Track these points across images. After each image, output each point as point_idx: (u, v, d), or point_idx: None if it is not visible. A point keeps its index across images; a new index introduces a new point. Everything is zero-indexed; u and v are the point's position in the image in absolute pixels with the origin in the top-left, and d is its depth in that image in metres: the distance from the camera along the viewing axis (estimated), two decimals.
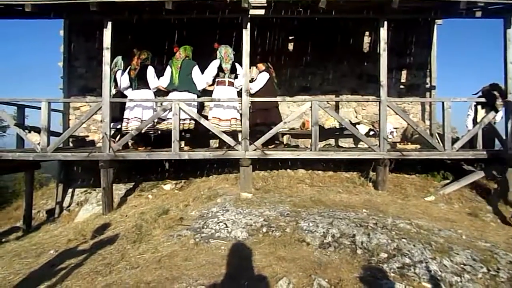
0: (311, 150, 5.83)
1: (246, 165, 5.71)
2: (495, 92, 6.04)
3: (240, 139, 5.88)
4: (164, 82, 6.30)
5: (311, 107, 5.81)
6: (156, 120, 6.24)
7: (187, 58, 6.28)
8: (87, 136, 7.88)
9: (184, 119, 6.12)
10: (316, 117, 5.79)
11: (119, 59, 6.56)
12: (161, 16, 5.73)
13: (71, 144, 7.58)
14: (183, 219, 4.60)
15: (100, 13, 5.50)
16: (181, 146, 6.11)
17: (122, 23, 5.95)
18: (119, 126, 6.38)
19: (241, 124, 6.09)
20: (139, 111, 6.19)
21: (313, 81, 7.96)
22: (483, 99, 6.21)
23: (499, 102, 5.98)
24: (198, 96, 6.32)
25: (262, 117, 6.35)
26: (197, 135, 6.65)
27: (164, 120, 6.24)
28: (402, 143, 6.68)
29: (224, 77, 6.23)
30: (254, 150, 5.77)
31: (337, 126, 7.21)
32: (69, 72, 7.79)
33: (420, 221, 4.26)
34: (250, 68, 6.00)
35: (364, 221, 4.12)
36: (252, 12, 5.73)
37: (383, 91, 5.80)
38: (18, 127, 6.30)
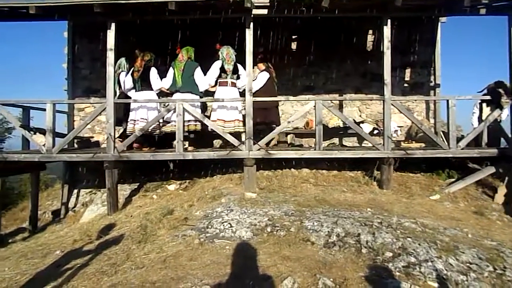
0: (315, 150, 5.82)
1: (250, 164, 5.72)
2: (500, 90, 6.01)
3: (242, 139, 5.89)
4: (166, 83, 6.32)
5: (314, 106, 5.80)
6: (161, 122, 6.26)
7: (189, 59, 6.29)
8: (92, 137, 7.92)
9: (189, 121, 6.13)
10: (320, 116, 5.78)
11: (122, 60, 6.60)
12: (164, 16, 5.75)
13: (76, 145, 7.62)
14: (188, 219, 4.61)
15: (104, 14, 5.53)
16: (185, 146, 6.12)
17: (125, 24, 5.99)
18: (124, 127, 6.41)
19: (243, 125, 6.11)
20: (144, 112, 6.22)
21: (317, 80, 7.94)
22: (488, 97, 6.18)
23: (504, 99, 5.95)
24: (201, 97, 6.33)
25: (262, 116, 6.34)
26: (201, 136, 6.66)
27: (169, 122, 6.27)
28: (406, 142, 6.65)
29: (226, 78, 6.24)
30: (258, 149, 5.78)
31: (341, 125, 7.19)
32: (73, 74, 7.83)
33: (425, 220, 4.24)
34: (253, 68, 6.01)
35: (369, 220, 4.11)
36: (255, 11, 5.73)
37: (387, 90, 5.78)
38: (24, 128, 6.34)
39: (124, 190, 6.67)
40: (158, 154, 5.92)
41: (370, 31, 7.93)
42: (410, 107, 7.82)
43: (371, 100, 7.72)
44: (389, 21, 5.76)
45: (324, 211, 4.48)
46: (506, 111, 6.11)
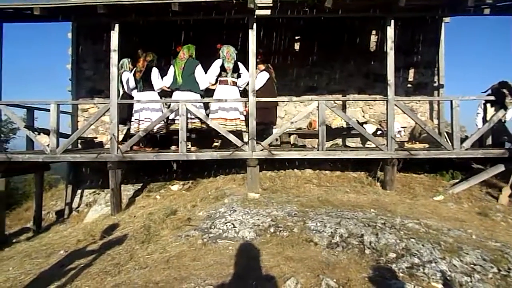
0: (318, 150, 5.81)
1: (253, 165, 5.71)
2: (505, 90, 5.97)
3: (244, 139, 5.89)
4: (167, 82, 6.32)
5: (318, 107, 5.79)
6: (169, 121, 6.27)
7: (190, 57, 6.28)
8: (96, 138, 7.95)
9: (192, 118, 6.14)
10: (323, 116, 5.77)
11: (124, 61, 6.63)
12: (167, 17, 5.77)
13: (79, 146, 7.65)
14: (191, 219, 4.61)
15: (108, 15, 5.55)
16: (189, 147, 6.14)
17: (129, 25, 6.01)
18: (128, 127, 6.43)
19: (245, 125, 6.10)
20: (148, 113, 6.23)
21: (320, 81, 7.94)
22: (492, 97, 6.14)
23: (508, 100, 5.91)
24: (201, 96, 6.32)
25: (261, 117, 6.32)
26: (201, 136, 6.68)
27: (174, 121, 6.28)
28: (410, 142, 6.63)
29: (226, 76, 6.25)
30: (261, 150, 5.78)
31: (344, 126, 7.19)
32: (77, 74, 7.87)
33: (429, 221, 4.23)
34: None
35: (372, 221, 4.09)
36: (258, 12, 5.73)
37: (391, 90, 5.77)
38: (28, 129, 6.38)
39: (127, 190, 6.69)
40: (162, 154, 5.94)
41: (374, 32, 7.92)
42: (413, 107, 7.80)
43: (374, 100, 7.70)
44: (392, 21, 5.75)
45: (327, 212, 4.47)
46: (510, 112, 6.06)
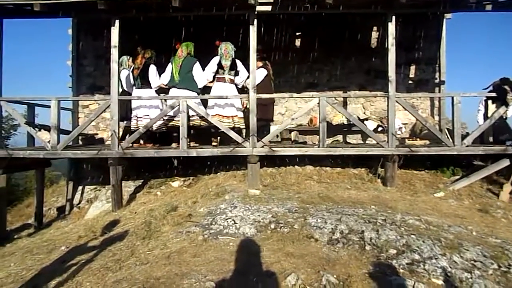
0: (319, 147, 5.81)
1: (254, 161, 5.71)
2: (506, 87, 5.95)
3: (244, 136, 5.89)
4: (165, 79, 6.28)
5: (318, 103, 5.78)
6: (167, 118, 6.26)
7: (188, 55, 6.22)
8: (96, 134, 7.96)
9: (192, 116, 6.13)
10: (323, 113, 5.77)
11: (124, 58, 6.59)
12: (168, 13, 5.75)
13: (80, 142, 7.66)
14: (192, 215, 4.62)
15: (108, 11, 5.52)
16: (189, 143, 6.13)
17: (129, 22, 5.99)
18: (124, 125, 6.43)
19: (244, 122, 6.10)
20: (146, 110, 6.22)
21: (321, 77, 7.92)
22: (493, 94, 6.12)
23: (510, 96, 5.89)
24: (198, 94, 6.29)
25: (259, 113, 6.33)
26: (199, 133, 6.67)
27: (175, 117, 6.26)
28: (411, 139, 6.63)
29: (223, 73, 6.21)
30: (262, 146, 5.78)
31: (345, 122, 7.18)
32: (77, 71, 7.86)
33: (430, 217, 4.23)
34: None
35: (372, 217, 4.10)
36: (259, 8, 5.71)
37: (392, 87, 5.75)
38: (29, 125, 6.38)
39: (128, 186, 6.70)
40: (162, 151, 5.94)
41: (375, 28, 7.89)
42: (414, 104, 7.77)
43: (375, 97, 7.69)
44: (393, 17, 5.73)
45: (327, 208, 4.48)
46: (511, 108, 6.05)
